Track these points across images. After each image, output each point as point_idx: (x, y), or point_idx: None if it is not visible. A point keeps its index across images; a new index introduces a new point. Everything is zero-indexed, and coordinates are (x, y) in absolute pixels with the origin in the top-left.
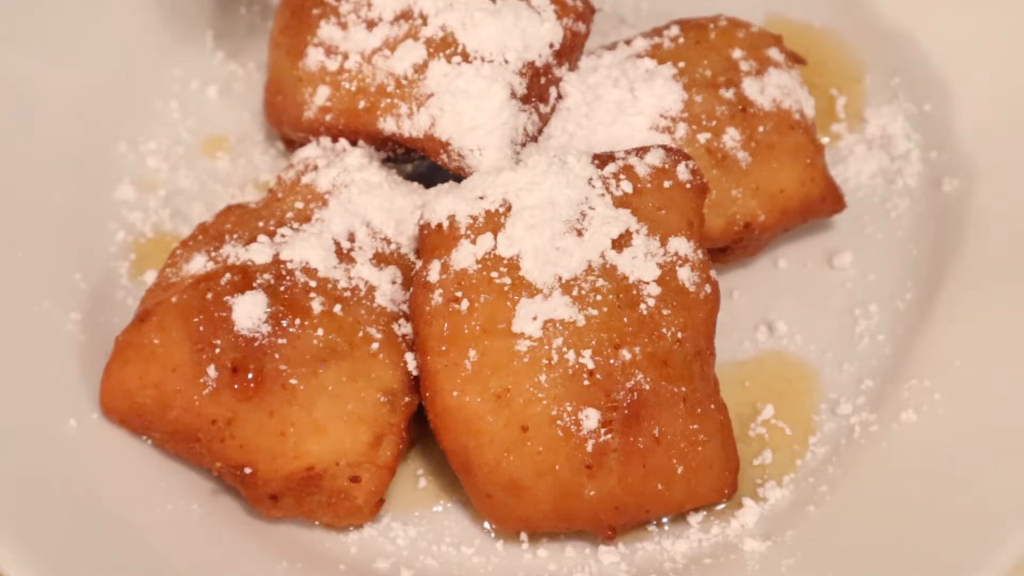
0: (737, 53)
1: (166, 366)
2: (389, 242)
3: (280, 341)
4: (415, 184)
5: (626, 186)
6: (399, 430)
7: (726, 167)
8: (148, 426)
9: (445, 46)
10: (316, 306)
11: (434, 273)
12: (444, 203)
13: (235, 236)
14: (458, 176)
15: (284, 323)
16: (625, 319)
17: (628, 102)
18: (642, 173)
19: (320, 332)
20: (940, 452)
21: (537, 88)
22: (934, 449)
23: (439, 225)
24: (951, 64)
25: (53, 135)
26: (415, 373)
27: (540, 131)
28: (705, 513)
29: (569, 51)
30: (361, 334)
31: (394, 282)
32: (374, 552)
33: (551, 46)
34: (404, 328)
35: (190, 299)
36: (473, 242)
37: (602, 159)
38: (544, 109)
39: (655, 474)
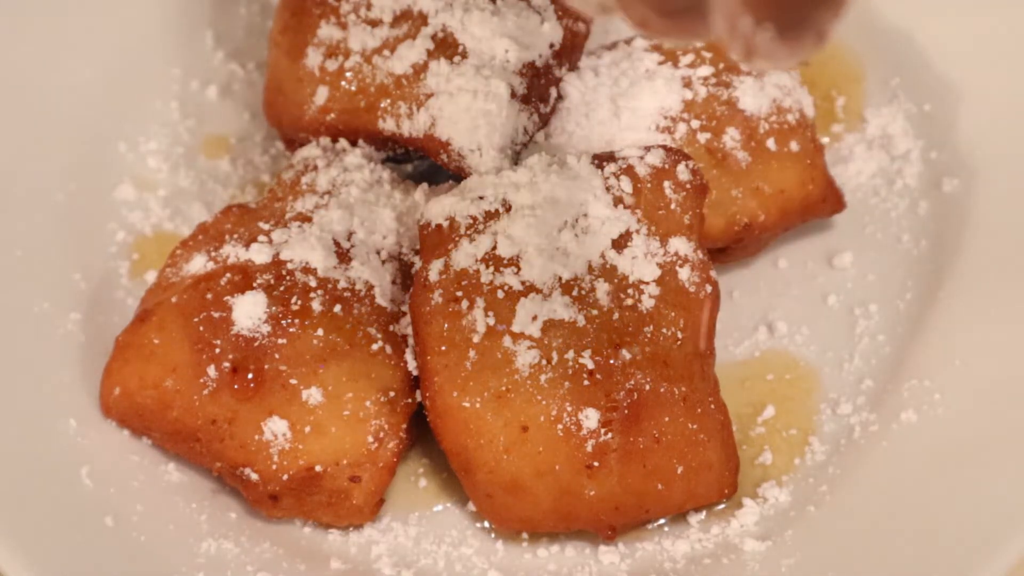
0: None
1: (166, 366)
2: (389, 241)
3: (280, 341)
4: (415, 184)
5: (626, 186)
6: (399, 430)
7: (726, 167)
8: (148, 426)
9: (445, 46)
10: (316, 306)
11: (434, 273)
12: (444, 203)
13: (235, 236)
14: (458, 176)
15: (284, 323)
16: (625, 319)
17: (628, 102)
18: (642, 173)
19: (320, 332)
20: (940, 452)
21: (537, 88)
22: (934, 449)
23: (439, 225)
24: (951, 64)
25: (53, 135)
26: (415, 373)
27: (540, 131)
28: (705, 513)
29: (569, 51)
30: (361, 334)
31: (394, 282)
32: (374, 552)
33: (551, 46)
34: (404, 328)
35: (190, 299)
36: (473, 242)
37: (602, 159)
38: (544, 109)
39: (655, 474)
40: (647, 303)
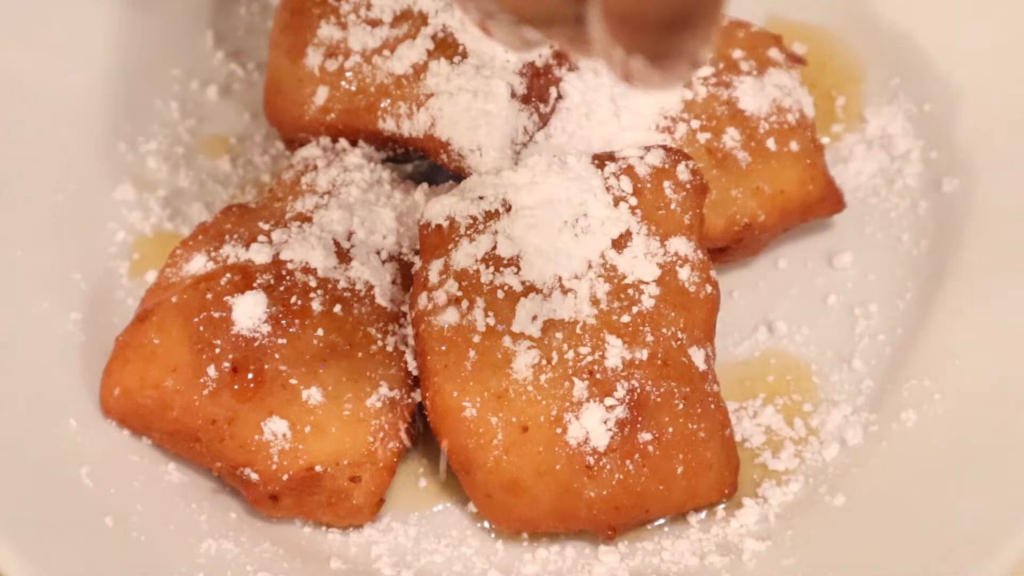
0: (737, 53)
1: (166, 366)
2: (389, 241)
3: (280, 341)
4: (415, 184)
5: (626, 186)
6: (399, 430)
7: (726, 167)
8: (148, 426)
9: (445, 46)
10: (316, 306)
11: (434, 273)
12: (444, 203)
13: (235, 236)
14: (458, 176)
15: (284, 323)
16: (625, 319)
17: (628, 102)
18: (642, 173)
19: (320, 332)
20: (940, 452)
21: (537, 88)
22: (934, 449)
23: (439, 225)
24: (951, 64)
25: (53, 135)
26: (415, 373)
27: (540, 131)
28: (705, 513)
29: None
30: (361, 334)
31: (394, 282)
32: (374, 552)
33: (551, 46)
34: (404, 328)
35: (190, 299)
36: (473, 242)
37: (602, 159)
38: (544, 109)
39: (655, 474)
40: (647, 303)
